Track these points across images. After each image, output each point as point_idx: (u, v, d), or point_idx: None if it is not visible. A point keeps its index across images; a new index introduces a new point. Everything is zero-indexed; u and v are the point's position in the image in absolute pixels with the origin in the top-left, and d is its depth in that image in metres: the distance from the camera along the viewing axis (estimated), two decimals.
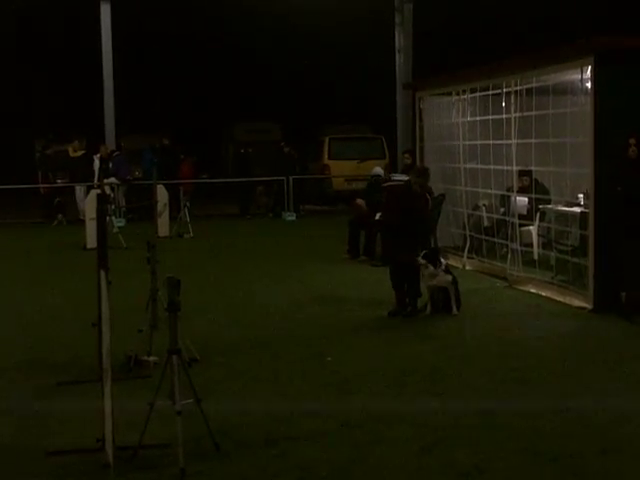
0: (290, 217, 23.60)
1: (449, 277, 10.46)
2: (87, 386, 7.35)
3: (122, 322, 8.25)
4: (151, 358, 8.12)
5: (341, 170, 26.18)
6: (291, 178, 24.04)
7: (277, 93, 38.82)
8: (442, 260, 10.59)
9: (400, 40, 25.07)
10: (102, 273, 5.86)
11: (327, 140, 27.53)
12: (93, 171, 22.58)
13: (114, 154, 23.55)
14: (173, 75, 38.09)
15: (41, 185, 23.34)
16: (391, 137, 26.59)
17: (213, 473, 5.65)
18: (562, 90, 11.92)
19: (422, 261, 10.28)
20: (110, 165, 22.87)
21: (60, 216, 22.58)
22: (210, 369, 8.07)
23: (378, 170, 16.30)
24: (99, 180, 21.26)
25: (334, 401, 7.15)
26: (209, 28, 35.25)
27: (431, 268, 10.30)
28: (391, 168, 23.31)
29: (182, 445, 5.64)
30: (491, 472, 5.60)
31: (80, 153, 23.18)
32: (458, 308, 10.45)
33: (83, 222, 17.84)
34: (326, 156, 27.13)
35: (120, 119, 25.37)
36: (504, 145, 12.77)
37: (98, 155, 22.82)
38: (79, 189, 22.50)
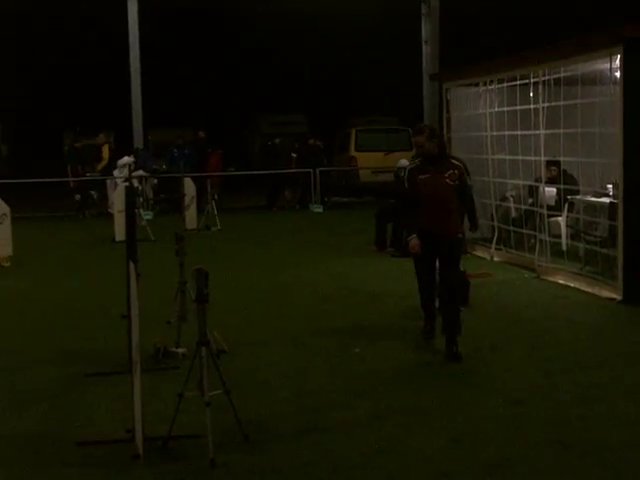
0: (317, 209, 23.62)
1: None
2: (117, 377, 7.42)
3: (151, 314, 8.30)
4: (180, 350, 8.17)
5: (368, 162, 26.15)
6: (318, 170, 24.08)
7: (303, 85, 38.81)
8: None
9: (427, 31, 24.99)
10: (131, 265, 5.90)
11: (354, 132, 27.51)
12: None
13: (141, 148, 23.71)
14: (200, 68, 38.19)
15: (70, 179, 23.55)
16: None
17: (242, 464, 5.67)
18: (591, 80, 11.83)
19: None
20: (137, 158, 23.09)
21: (87, 212, 22.89)
22: (238, 360, 8.10)
23: (403, 162, 16.12)
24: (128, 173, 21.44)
25: (362, 392, 7.15)
26: (236, 20, 35.28)
27: None
28: None
29: (211, 436, 5.67)
30: (520, 464, 5.58)
31: (107, 148, 23.52)
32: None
33: (111, 215, 17.96)
34: (353, 148, 27.10)
35: (147, 113, 25.52)
36: (532, 135, 12.70)
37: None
38: (109, 182, 22.67)
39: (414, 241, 8.49)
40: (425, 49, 25.26)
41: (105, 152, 23.48)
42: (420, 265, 8.88)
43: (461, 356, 8.07)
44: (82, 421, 6.59)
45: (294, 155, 25.41)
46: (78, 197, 23.10)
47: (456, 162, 8.68)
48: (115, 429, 6.21)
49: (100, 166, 23.18)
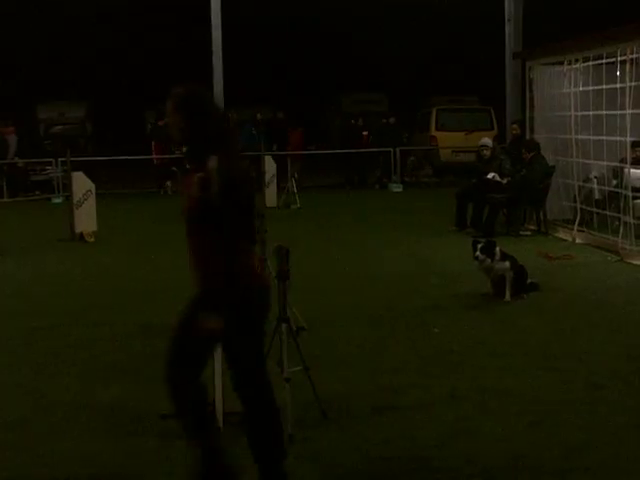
0: (397, 188, 23.56)
1: (506, 264, 9.73)
2: None
3: None
4: None
5: (448, 141, 25.96)
6: (397, 149, 23.99)
7: (384, 64, 38.65)
8: (497, 250, 9.76)
9: (510, 9, 24.58)
10: None
11: (435, 111, 27.32)
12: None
13: None
14: (280, 47, 38.30)
15: (154, 156, 23.95)
16: (500, 108, 26.19)
17: (320, 440, 5.73)
18: None
19: (481, 256, 9.61)
20: None
21: (168, 183, 23.22)
22: (317, 338, 8.14)
23: (486, 141, 15.99)
24: None
25: (440, 372, 7.14)
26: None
27: (488, 261, 9.64)
28: (499, 139, 23.01)
29: (290, 412, 5.73)
30: (600, 447, 5.52)
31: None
32: (514, 295, 9.68)
33: None
34: (434, 127, 26.93)
35: (228, 93, 25.72)
36: (617, 115, 12.46)
37: None
38: None
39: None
40: (508, 27, 24.83)
41: None
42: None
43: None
44: (164, 394, 6.71)
45: (365, 134, 25.38)
46: (169, 183, 23.34)
47: (217, 156, 4.56)
48: None
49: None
